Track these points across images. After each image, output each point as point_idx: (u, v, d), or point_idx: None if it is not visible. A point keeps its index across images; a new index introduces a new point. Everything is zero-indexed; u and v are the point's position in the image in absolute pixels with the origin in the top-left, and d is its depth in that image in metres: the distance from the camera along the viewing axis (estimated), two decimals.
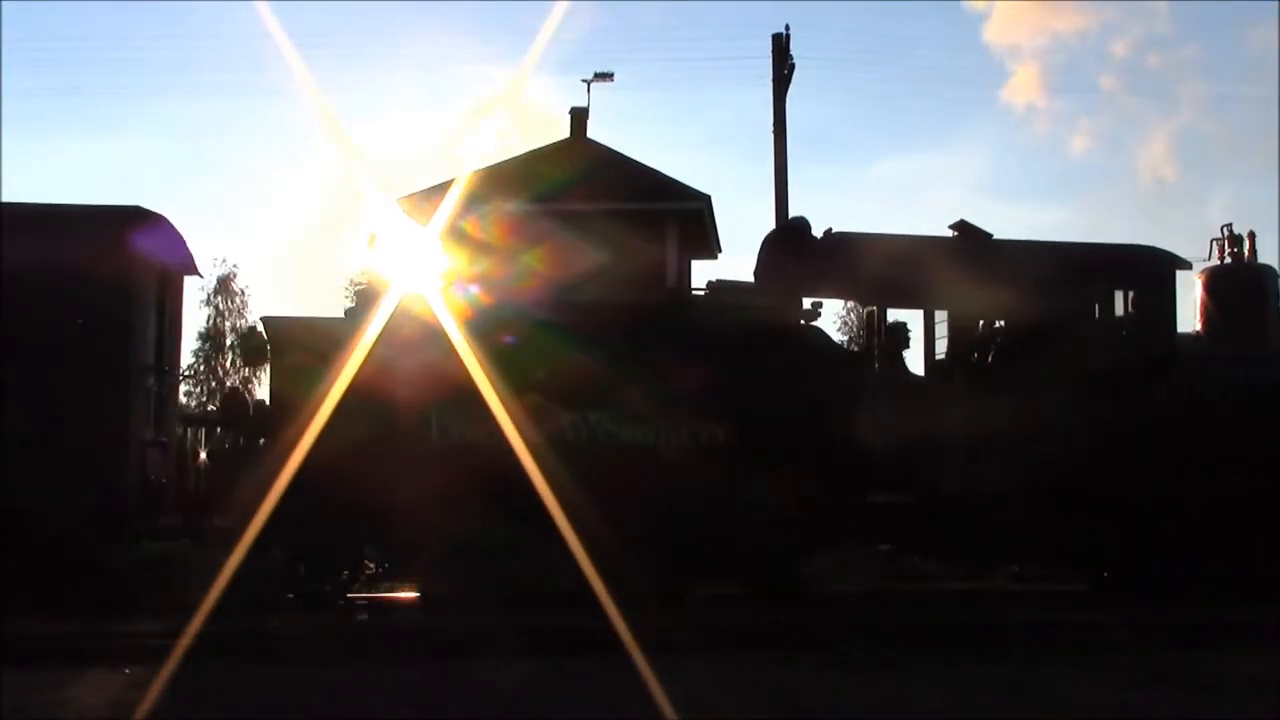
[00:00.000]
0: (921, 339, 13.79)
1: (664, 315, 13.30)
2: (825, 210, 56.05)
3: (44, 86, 50.85)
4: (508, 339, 12.52)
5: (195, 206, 54.79)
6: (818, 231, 14.03)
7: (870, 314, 14.00)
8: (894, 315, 13.97)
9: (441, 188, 20.09)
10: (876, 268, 13.14)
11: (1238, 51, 49.49)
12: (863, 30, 55.43)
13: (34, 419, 11.89)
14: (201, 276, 14.98)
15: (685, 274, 21.42)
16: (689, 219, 20.25)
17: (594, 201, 19.48)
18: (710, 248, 22.32)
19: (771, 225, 20.47)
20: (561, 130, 22.71)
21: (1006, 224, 57.93)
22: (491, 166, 21.02)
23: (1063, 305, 13.38)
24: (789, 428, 12.48)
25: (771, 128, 20.93)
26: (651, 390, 12.56)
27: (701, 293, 13.71)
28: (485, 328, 12.41)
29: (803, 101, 56.89)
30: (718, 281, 13.93)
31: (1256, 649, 9.19)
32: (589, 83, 22.53)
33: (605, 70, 22.61)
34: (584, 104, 22.47)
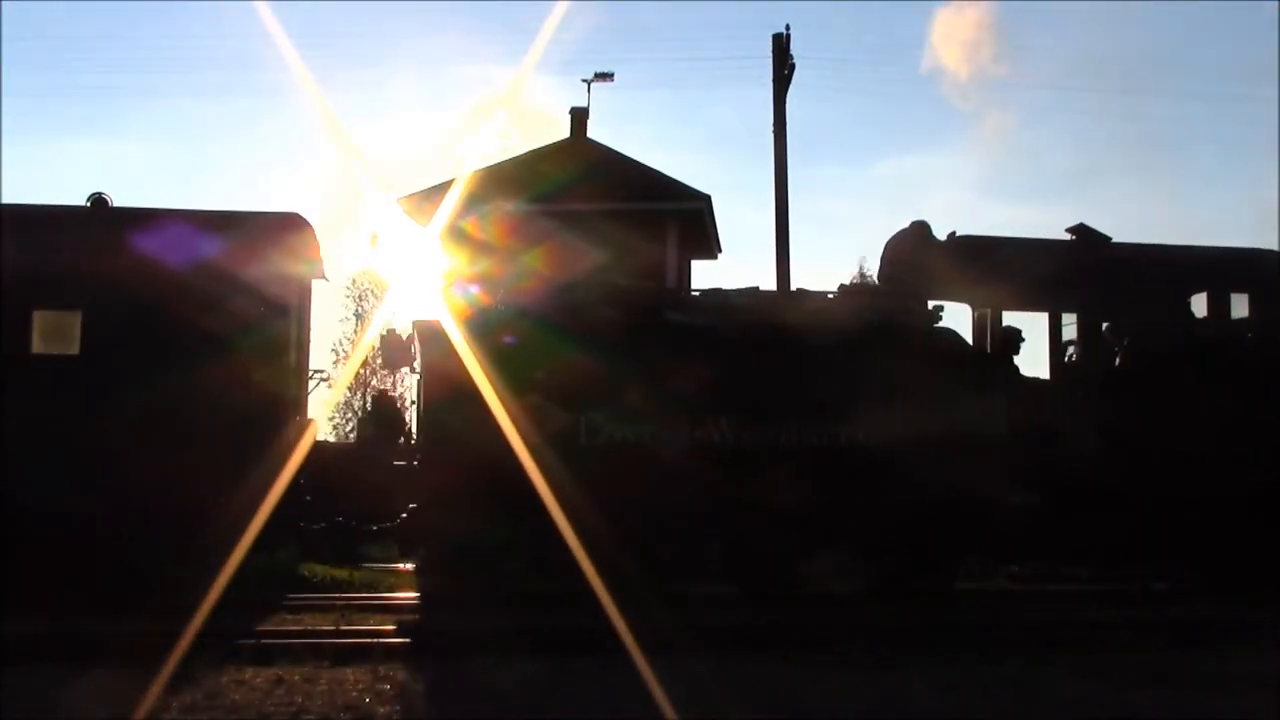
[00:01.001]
0: (1047, 342, 14.02)
1: (801, 318, 13.29)
2: (826, 210, 56.03)
3: (44, 86, 50.86)
4: (691, 348, 12.82)
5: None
6: (940, 234, 14.32)
7: (982, 317, 14.08)
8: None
9: (441, 188, 20.13)
10: (1001, 271, 13.28)
11: (1237, 51, 49.51)
12: (863, 30, 55.41)
13: (199, 423, 11.96)
14: (328, 280, 14.68)
15: (685, 274, 21.45)
16: (689, 219, 20.27)
17: (594, 201, 19.51)
18: (710, 248, 22.34)
19: (772, 225, 20.53)
20: (561, 130, 22.75)
21: (1008, 224, 58.03)
22: (491, 166, 21.06)
23: (1186, 308, 13.75)
24: (926, 428, 12.52)
25: (772, 128, 20.95)
26: (784, 391, 12.74)
27: (831, 295, 13.82)
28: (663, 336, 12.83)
29: (803, 101, 56.97)
30: (851, 285, 14.01)
31: (1256, 649, 9.18)
32: (589, 83, 22.60)
33: (605, 70, 22.67)
34: (584, 104, 22.51)
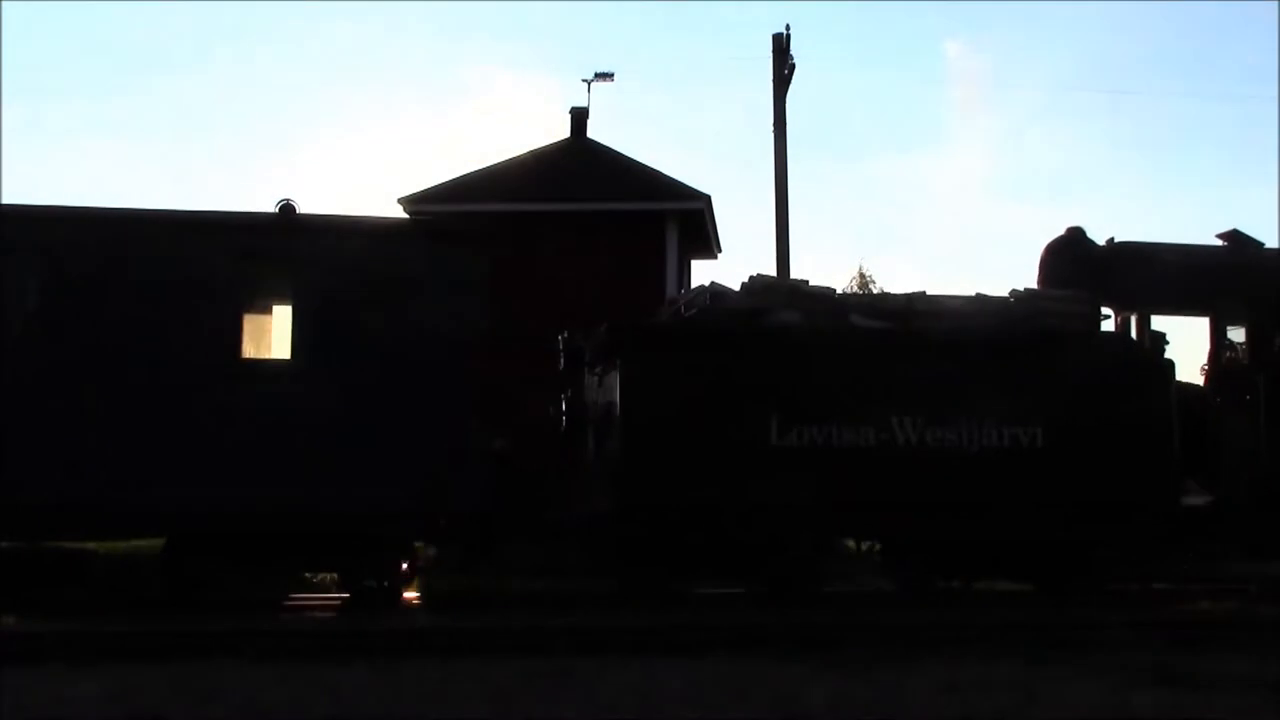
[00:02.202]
0: (1209, 347, 14.48)
1: (976, 322, 13.66)
2: (826, 210, 56.06)
3: (44, 86, 50.87)
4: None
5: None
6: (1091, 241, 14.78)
7: (1124, 320, 14.36)
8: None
9: (442, 188, 20.16)
10: (1162, 275, 13.58)
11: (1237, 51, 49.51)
12: (863, 30, 55.46)
13: (412, 426, 12.22)
14: None
15: (685, 274, 21.47)
16: (689, 219, 20.30)
17: (594, 201, 19.53)
18: (710, 248, 22.37)
19: (772, 225, 20.54)
20: (561, 130, 22.74)
21: (1007, 224, 58.03)
22: (491, 166, 21.08)
23: None
24: (1100, 430, 12.93)
25: (772, 128, 20.94)
26: (966, 394, 13.03)
27: (1007, 299, 14.10)
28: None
29: (803, 101, 56.95)
30: (1024, 290, 14.23)
31: (1256, 649, 9.18)
32: (589, 83, 22.59)
33: (605, 70, 22.66)
34: (584, 104, 22.50)
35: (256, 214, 12.67)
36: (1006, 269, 58.89)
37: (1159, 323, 14.36)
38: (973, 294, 14.20)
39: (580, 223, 19.07)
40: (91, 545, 14.00)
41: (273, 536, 12.05)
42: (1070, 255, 14.64)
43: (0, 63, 48.34)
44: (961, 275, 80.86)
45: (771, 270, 20.58)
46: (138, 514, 11.81)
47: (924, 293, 14.01)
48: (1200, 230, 43.75)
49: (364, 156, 54.12)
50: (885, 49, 56.04)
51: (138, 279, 11.97)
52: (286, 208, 12.53)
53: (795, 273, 20.52)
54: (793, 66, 20.85)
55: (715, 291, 13.93)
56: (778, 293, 14.05)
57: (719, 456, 12.61)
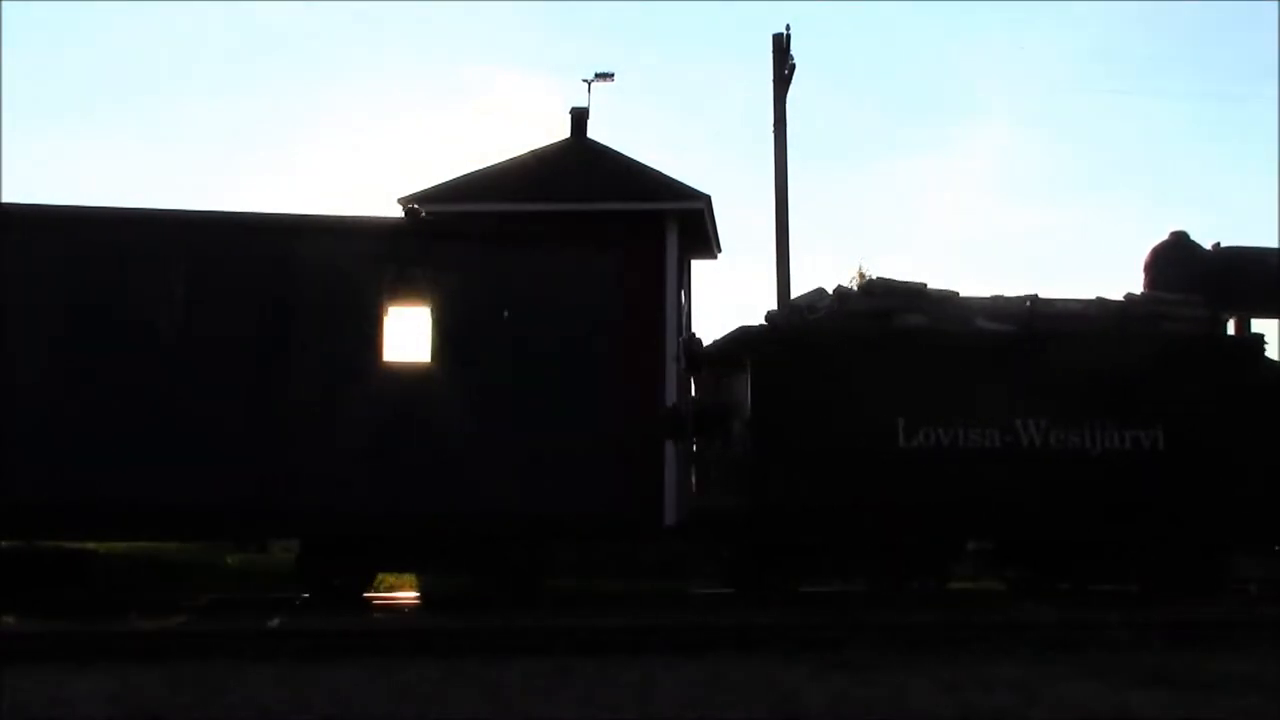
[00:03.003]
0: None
1: (1099, 325, 13.90)
2: (826, 210, 56.02)
3: (45, 86, 50.84)
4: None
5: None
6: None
7: (1223, 323, 14.68)
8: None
9: (442, 187, 20.12)
10: (1272, 280, 13.87)
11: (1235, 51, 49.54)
12: (864, 30, 55.44)
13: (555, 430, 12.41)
14: None
15: (685, 274, 21.44)
16: (689, 219, 20.26)
17: (594, 201, 19.50)
18: (710, 248, 22.34)
19: (772, 225, 20.53)
20: (561, 130, 22.72)
21: (1007, 226, 58.04)
22: (491, 166, 21.06)
23: None
24: (1219, 432, 13.22)
25: (772, 128, 20.93)
26: (1089, 396, 13.25)
27: (1124, 302, 14.25)
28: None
29: (803, 101, 56.98)
30: (1140, 294, 14.44)
31: (1256, 649, 9.18)
32: (589, 83, 22.54)
33: (605, 70, 22.63)
34: (584, 104, 22.47)
35: (397, 219, 12.73)
36: (1007, 270, 58.83)
37: (1256, 325, 14.65)
38: (1092, 297, 14.33)
39: (580, 223, 19.02)
40: (92, 545, 14.02)
41: (410, 539, 12.21)
42: (1177, 258, 14.94)
43: (0, 62, 48.31)
44: (962, 276, 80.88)
45: (771, 270, 20.63)
46: (278, 517, 12.00)
47: (1037, 295, 14.09)
48: (1200, 231, 43.76)
49: (364, 156, 54.08)
50: (886, 50, 56.02)
51: (280, 284, 12.12)
52: (411, 212, 12.60)
53: (795, 272, 20.54)
54: (793, 66, 20.83)
55: (840, 294, 14.00)
56: (900, 295, 14.09)
57: (847, 457, 12.82)
